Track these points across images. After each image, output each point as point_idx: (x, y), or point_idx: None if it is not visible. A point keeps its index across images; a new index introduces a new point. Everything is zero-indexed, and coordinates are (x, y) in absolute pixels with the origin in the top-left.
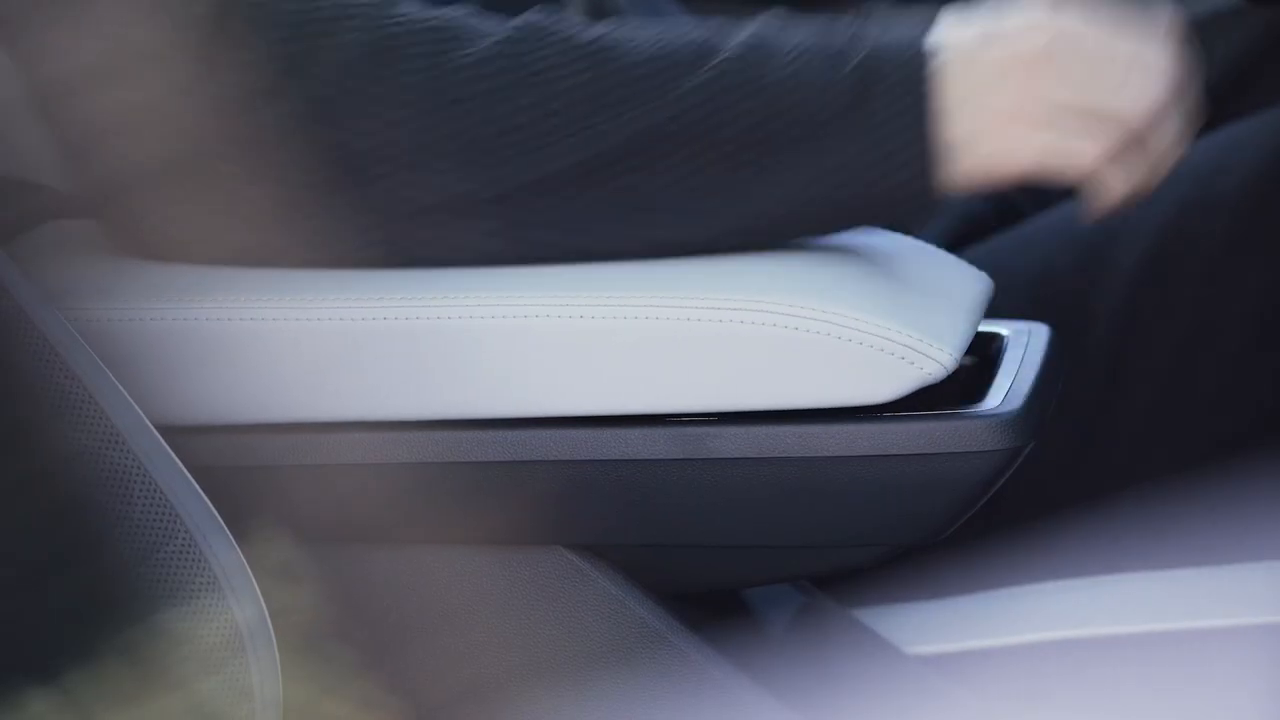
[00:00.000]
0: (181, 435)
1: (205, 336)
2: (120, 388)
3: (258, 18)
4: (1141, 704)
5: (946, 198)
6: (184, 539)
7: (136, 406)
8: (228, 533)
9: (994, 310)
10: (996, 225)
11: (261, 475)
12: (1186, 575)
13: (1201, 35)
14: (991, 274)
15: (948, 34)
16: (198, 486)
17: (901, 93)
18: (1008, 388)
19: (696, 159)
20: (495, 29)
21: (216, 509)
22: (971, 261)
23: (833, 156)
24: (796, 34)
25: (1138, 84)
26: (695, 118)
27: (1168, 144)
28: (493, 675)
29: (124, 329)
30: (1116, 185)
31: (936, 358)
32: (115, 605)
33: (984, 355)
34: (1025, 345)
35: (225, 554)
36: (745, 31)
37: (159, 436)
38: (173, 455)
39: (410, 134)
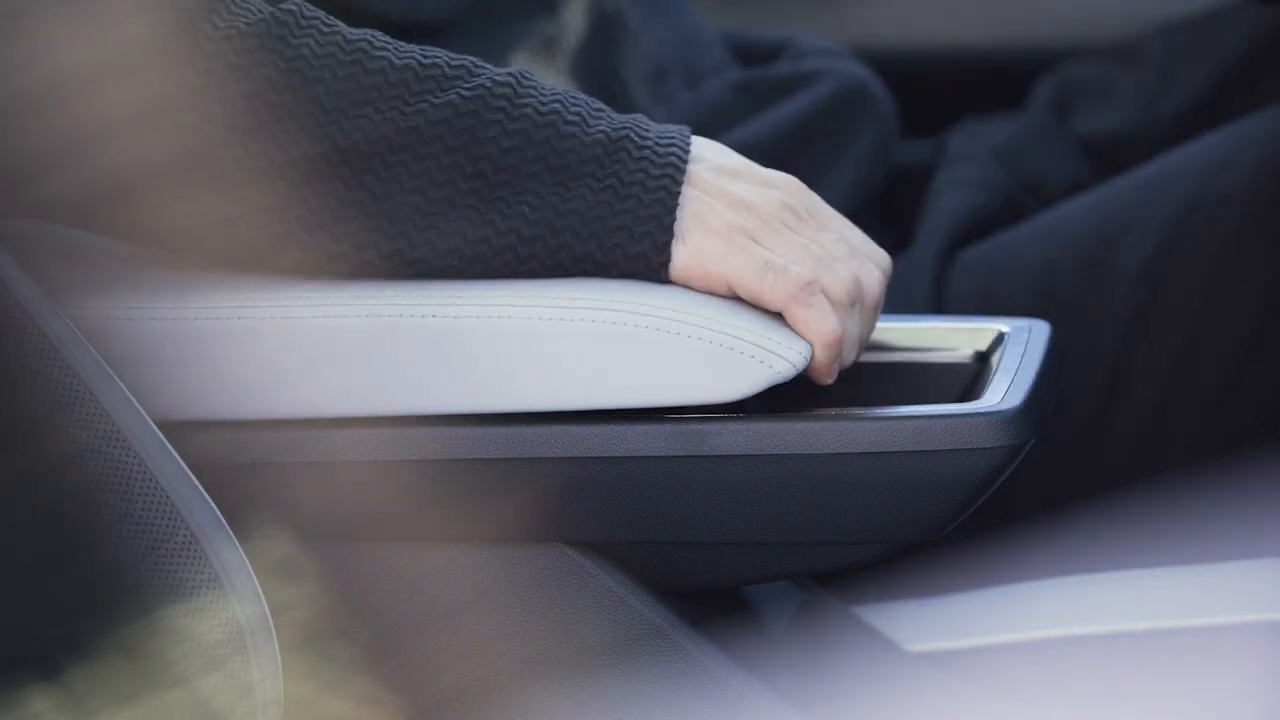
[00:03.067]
0: (182, 432)
1: (206, 334)
2: (121, 385)
3: None
4: (1142, 701)
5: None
6: (185, 536)
7: (137, 404)
8: (229, 530)
9: (995, 308)
10: (999, 223)
11: (262, 472)
12: (1187, 573)
13: (1204, 33)
14: (994, 272)
15: (707, 149)
16: (198, 484)
17: (651, 166)
18: (1008, 385)
19: (444, 173)
20: (256, 6)
21: (217, 506)
22: (974, 259)
23: (573, 203)
24: (569, 91)
25: (837, 277)
26: (447, 130)
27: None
28: (493, 672)
29: (125, 327)
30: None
31: (787, 356)
32: (116, 602)
33: (985, 352)
34: (1026, 342)
35: (226, 551)
36: (519, 68)
37: (160, 434)
38: (174, 453)
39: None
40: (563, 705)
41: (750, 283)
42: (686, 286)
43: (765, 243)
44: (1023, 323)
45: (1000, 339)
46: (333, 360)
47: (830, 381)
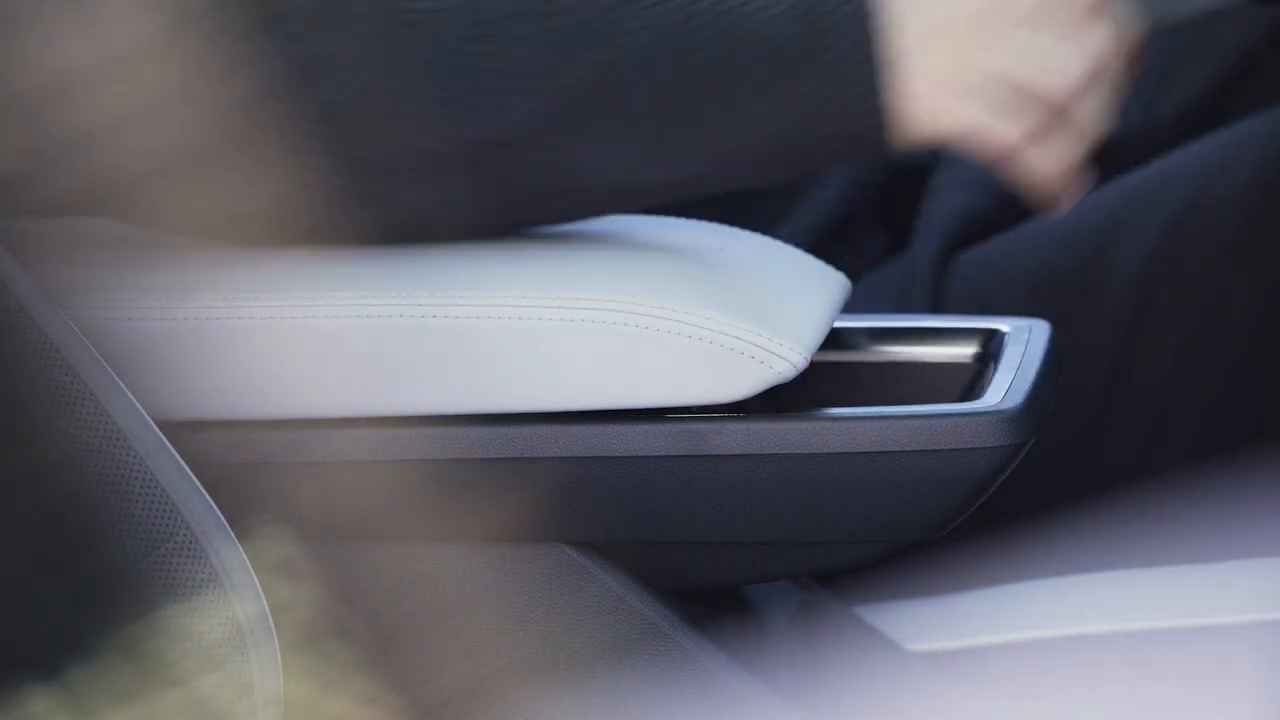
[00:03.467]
0: (182, 432)
1: (206, 333)
2: (121, 384)
3: None
4: (1142, 701)
5: (891, 150)
6: (185, 535)
7: (137, 403)
8: (229, 529)
9: (995, 308)
10: (999, 224)
11: (262, 472)
12: (1187, 572)
13: (1204, 33)
14: (993, 272)
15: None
16: (198, 483)
17: (850, 34)
18: (1008, 385)
19: (653, 96)
20: None
21: (217, 505)
22: (974, 260)
23: (783, 93)
24: None
25: (1065, 56)
26: (648, 53)
27: (1089, 120)
28: (493, 672)
29: (125, 326)
30: (1039, 165)
31: (787, 357)
32: (116, 602)
33: (985, 352)
34: (1026, 342)
35: (226, 550)
36: None
37: (160, 433)
38: (173, 452)
39: (364, 92)
40: (563, 705)
41: (980, 124)
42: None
43: (985, 63)
44: (1023, 322)
45: (1000, 339)
46: (333, 360)
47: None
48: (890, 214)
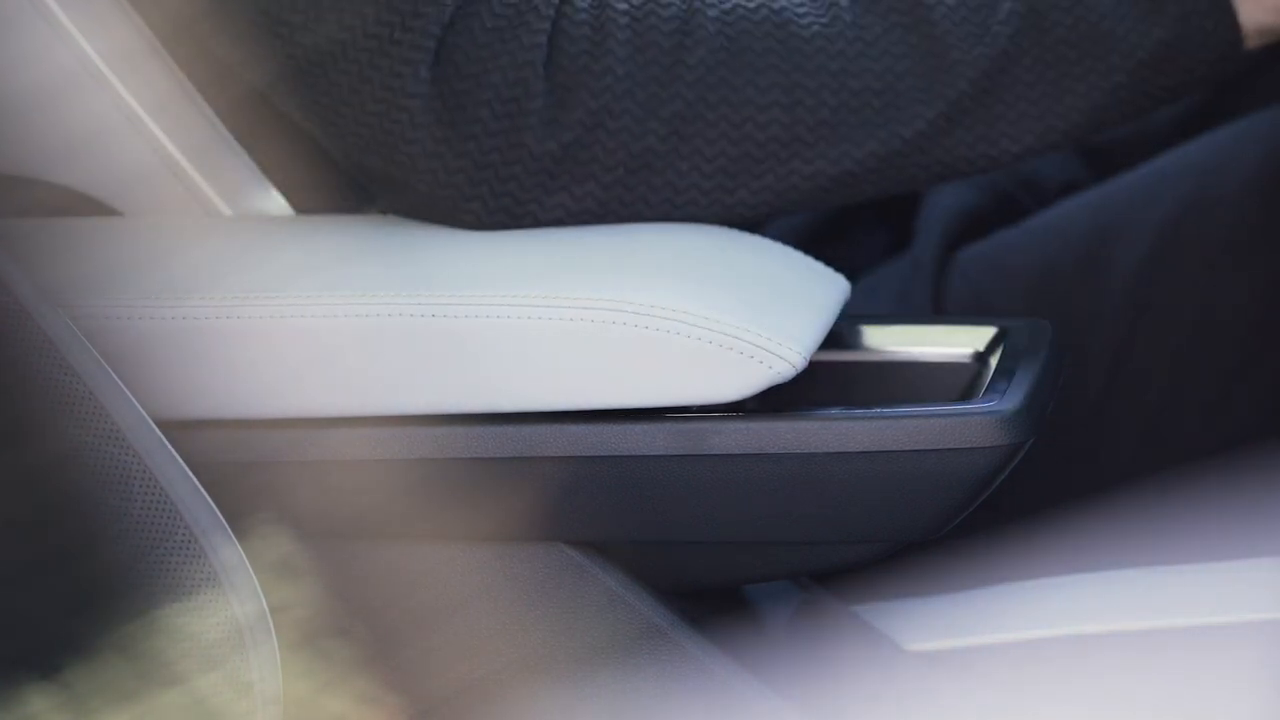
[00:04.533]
0: (181, 431)
1: (205, 333)
2: (120, 384)
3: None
4: (1141, 700)
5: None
6: (184, 535)
7: (136, 403)
8: (227, 528)
9: (995, 307)
10: (997, 223)
11: (261, 471)
12: (1186, 571)
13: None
14: (992, 271)
15: None
16: (197, 482)
17: None
18: (1008, 384)
19: (1031, 68)
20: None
21: (216, 505)
22: (972, 259)
23: (1146, 23)
24: None
25: None
26: (1020, 38)
27: None
28: (493, 671)
29: (124, 326)
30: None
31: (786, 357)
32: (115, 601)
33: (985, 352)
34: (1026, 342)
35: (225, 550)
36: None
37: (159, 433)
38: (172, 451)
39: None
40: (563, 704)
41: None
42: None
43: None
44: (1022, 322)
45: (1000, 338)
46: (332, 359)
47: None
48: (889, 213)
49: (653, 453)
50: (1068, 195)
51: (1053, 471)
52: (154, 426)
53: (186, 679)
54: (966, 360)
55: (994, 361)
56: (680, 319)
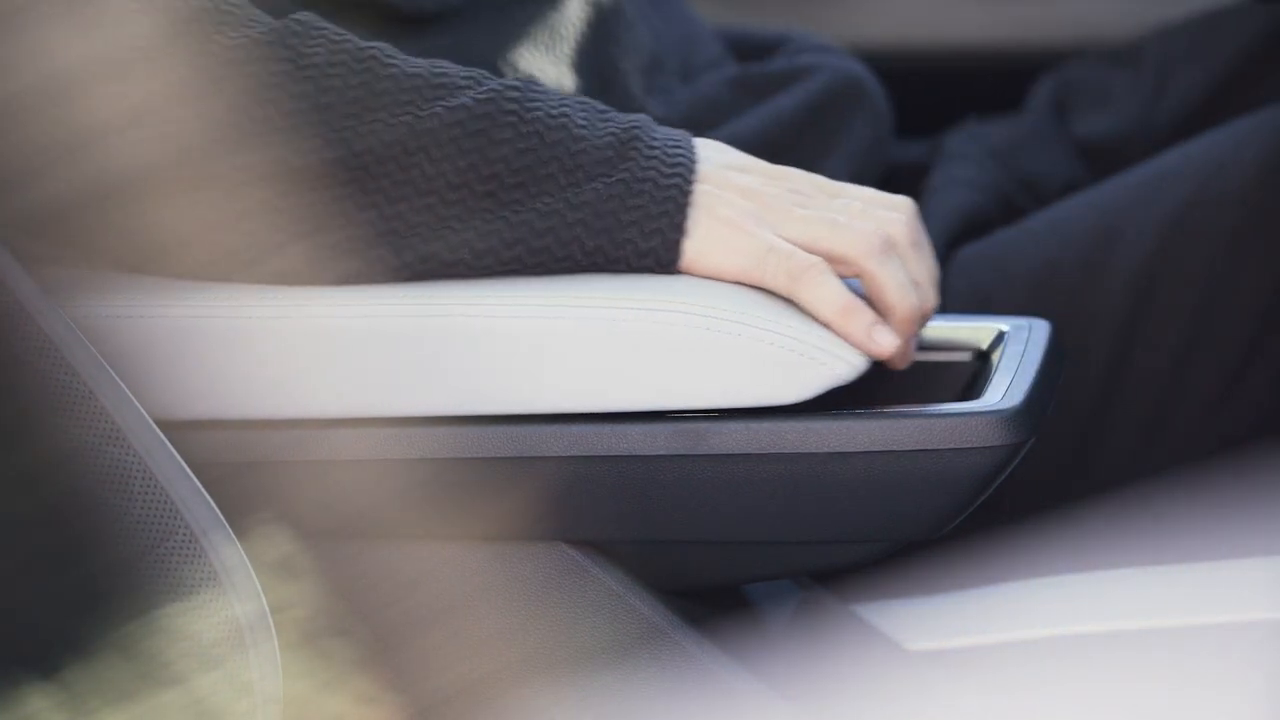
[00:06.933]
0: (182, 431)
1: (206, 333)
2: (121, 384)
3: None
4: (1141, 700)
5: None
6: (184, 535)
7: (137, 403)
8: (228, 528)
9: (995, 306)
10: (996, 223)
11: (262, 471)
12: (1186, 572)
13: (1204, 34)
14: (992, 271)
15: (710, 148)
16: (198, 482)
17: (661, 164)
18: (1008, 384)
19: (459, 175)
20: (266, 18)
21: (217, 505)
22: (972, 258)
23: (586, 202)
24: (575, 96)
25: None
26: (461, 133)
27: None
28: (493, 671)
29: (125, 325)
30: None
31: (846, 358)
32: (115, 600)
33: (985, 351)
34: (1026, 341)
35: (225, 550)
36: (527, 76)
37: (159, 433)
38: (173, 451)
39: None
40: (563, 704)
41: (751, 269)
42: (692, 275)
43: (778, 227)
44: (1022, 321)
45: (1000, 338)
46: (333, 360)
47: (903, 356)
48: None
49: (653, 452)
50: (1068, 195)
51: (1053, 471)
52: (154, 426)
53: (186, 679)
54: (967, 360)
55: (994, 361)
56: (743, 321)
